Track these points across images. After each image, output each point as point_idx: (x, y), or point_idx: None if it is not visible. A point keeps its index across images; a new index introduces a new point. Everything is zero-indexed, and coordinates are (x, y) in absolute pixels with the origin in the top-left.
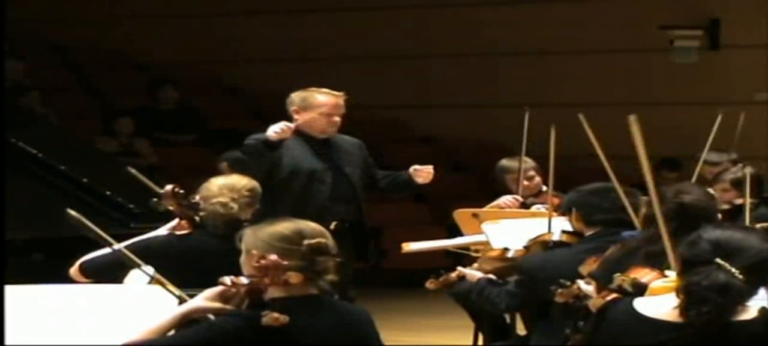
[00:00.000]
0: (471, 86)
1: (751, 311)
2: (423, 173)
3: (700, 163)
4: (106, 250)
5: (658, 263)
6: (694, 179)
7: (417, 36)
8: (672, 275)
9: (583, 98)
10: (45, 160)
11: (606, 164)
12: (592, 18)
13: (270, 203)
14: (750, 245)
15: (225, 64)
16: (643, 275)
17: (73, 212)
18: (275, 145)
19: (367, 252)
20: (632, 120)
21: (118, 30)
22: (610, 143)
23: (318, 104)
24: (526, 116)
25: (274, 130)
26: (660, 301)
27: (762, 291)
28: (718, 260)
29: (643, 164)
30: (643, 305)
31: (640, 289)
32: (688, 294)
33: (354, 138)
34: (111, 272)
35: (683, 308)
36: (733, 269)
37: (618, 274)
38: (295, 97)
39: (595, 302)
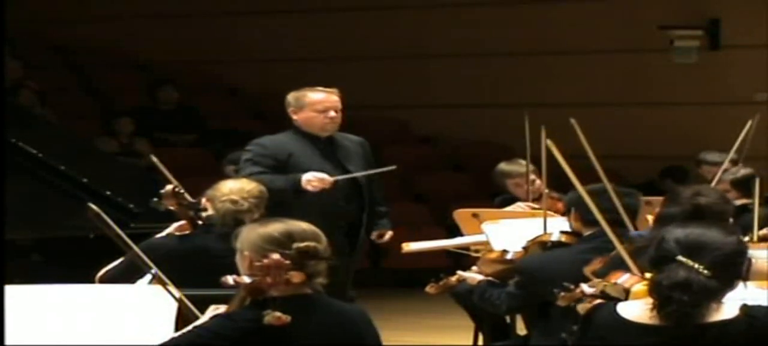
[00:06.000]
0: (471, 86)
1: (729, 310)
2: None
3: (725, 164)
4: (119, 260)
5: None
6: (715, 182)
7: (417, 36)
8: None
9: (583, 98)
10: (45, 160)
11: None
12: (591, 18)
13: (280, 206)
14: (712, 240)
15: (225, 64)
16: (624, 278)
17: (93, 206)
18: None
19: (357, 244)
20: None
21: (118, 30)
22: (610, 143)
23: (311, 102)
24: (526, 119)
25: (311, 184)
26: (641, 304)
27: (740, 290)
28: (680, 258)
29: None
30: (625, 309)
31: (624, 293)
32: (655, 294)
33: (356, 136)
34: (126, 279)
35: (657, 310)
36: (697, 266)
37: (598, 279)
38: (290, 97)
39: (583, 306)
